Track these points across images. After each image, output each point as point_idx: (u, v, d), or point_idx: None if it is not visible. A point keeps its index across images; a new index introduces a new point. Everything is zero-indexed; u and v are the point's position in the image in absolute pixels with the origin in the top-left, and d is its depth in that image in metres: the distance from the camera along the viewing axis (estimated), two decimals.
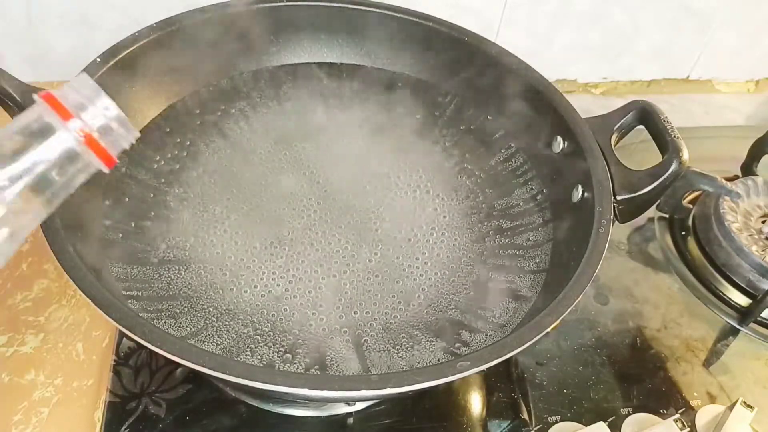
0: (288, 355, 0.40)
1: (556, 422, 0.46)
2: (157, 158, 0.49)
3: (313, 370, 0.40)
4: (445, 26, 0.56)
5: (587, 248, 0.41)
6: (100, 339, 0.47)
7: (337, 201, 0.50)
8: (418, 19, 0.56)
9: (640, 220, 0.61)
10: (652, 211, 0.61)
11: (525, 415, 0.46)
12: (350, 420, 0.45)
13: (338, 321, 0.43)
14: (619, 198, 0.44)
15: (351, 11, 0.56)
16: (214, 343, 0.40)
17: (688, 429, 0.44)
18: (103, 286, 0.34)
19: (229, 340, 0.41)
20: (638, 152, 0.57)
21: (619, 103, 0.50)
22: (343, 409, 0.45)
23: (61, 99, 0.27)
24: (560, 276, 0.42)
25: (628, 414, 0.47)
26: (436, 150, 0.55)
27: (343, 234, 0.48)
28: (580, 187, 0.47)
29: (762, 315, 0.55)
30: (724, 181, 0.56)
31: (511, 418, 0.46)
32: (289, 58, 0.58)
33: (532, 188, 0.52)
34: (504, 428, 0.46)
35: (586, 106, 0.65)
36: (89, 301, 0.33)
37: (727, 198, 0.59)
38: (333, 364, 0.40)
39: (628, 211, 0.45)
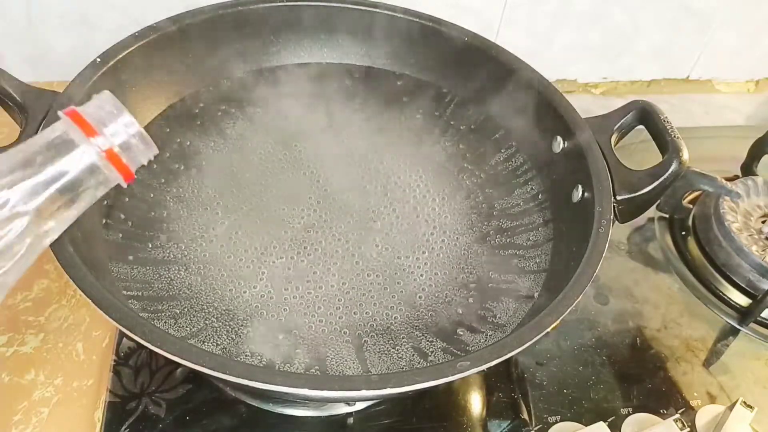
0: (288, 355, 0.40)
1: (556, 422, 0.46)
2: (157, 158, 0.49)
3: (313, 370, 0.40)
4: (445, 26, 0.56)
5: (587, 248, 0.41)
6: (100, 339, 0.47)
7: (337, 201, 0.50)
8: (418, 19, 0.55)
9: (640, 220, 0.61)
10: (652, 211, 0.61)
11: (525, 415, 0.46)
12: (350, 420, 0.45)
13: (338, 321, 0.43)
14: (619, 198, 0.44)
15: (351, 11, 0.56)
16: (214, 343, 0.40)
17: (688, 429, 0.44)
18: (103, 286, 0.34)
19: (229, 340, 0.41)
20: (638, 152, 0.57)
21: (619, 103, 0.50)
22: (343, 409, 0.45)
23: (85, 115, 0.28)
24: (560, 276, 0.42)
25: (628, 414, 0.47)
26: (436, 150, 0.55)
27: (343, 234, 0.48)
28: (580, 187, 0.47)
29: (762, 315, 0.55)
30: (724, 181, 0.56)
31: (511, 418, 0.46)
32: (289, 58, 0.58)
33: (532, 188, 0.52)
34: (504, 428, 0.46)
35: (586, 106, 0.65)
36: (89, 301, 0.33)
37: (727, 198, 0.59)
38: (333, 365, 0.40)
39: (628, 211, 0.45)
